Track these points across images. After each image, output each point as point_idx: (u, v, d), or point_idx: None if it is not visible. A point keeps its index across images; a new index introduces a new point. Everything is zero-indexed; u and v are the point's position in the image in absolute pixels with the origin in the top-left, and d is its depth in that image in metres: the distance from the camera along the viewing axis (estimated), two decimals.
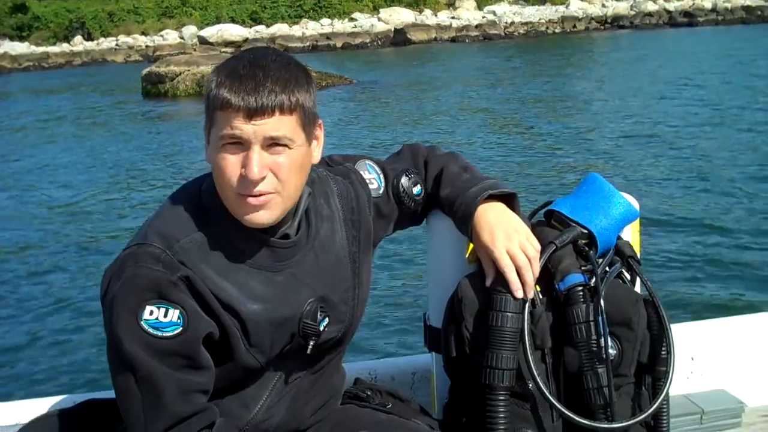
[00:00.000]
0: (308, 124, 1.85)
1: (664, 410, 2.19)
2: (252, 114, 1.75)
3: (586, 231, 2.16)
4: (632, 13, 53.36)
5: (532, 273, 2.08)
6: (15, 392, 5.60)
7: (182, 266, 1.78)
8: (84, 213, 11.99)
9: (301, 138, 1.83)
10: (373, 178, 2.21)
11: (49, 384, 5.85)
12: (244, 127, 1.75)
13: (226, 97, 1.74)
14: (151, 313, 1.75)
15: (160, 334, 1.76)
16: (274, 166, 1.79)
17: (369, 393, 2.24)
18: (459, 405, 2.25)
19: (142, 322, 1.75)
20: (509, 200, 2.20)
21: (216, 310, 1.82)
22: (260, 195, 1.79)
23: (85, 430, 2.04)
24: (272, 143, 1.78)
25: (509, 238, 2.10)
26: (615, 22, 52.70)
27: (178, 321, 1.77)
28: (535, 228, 2.20)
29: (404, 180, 2.22)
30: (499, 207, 2.16)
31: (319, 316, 1.95)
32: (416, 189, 2.24)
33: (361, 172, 2.20)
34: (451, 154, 2.34)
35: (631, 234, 2.30)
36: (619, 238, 2.23)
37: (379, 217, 2.20)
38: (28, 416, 2.07)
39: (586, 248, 2.16)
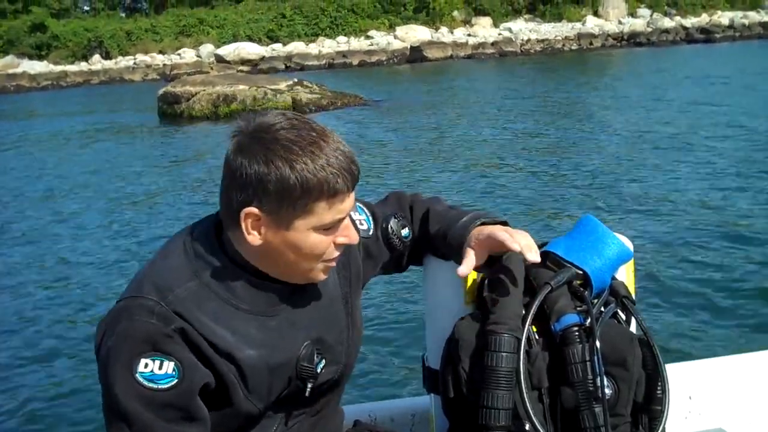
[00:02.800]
0: None
1: None
2: (353, 187, 1.83)
3: (581, 272, 2.19)
4: (649, 29, 53.30)
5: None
6: None
7: (177, 317, 1.79)
8: (90, 237, 12.01)
9: None
10: (362, 219, 2.24)
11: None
12: (348, 208, 1.84)
13: (338, 187, 1.78)
14: (146, 365, 1.76)
15: (155, 386, 1.76)
16: None
17: None
18: None
19: (137, 375, 1.75)
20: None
21: (212, 359, 1.82)
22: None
23: None
24: None
25: (509, 232, 2.14)
26: (632, 39, 52.62)
27: (173, 373, 1.77)
28: (530, 269, 2.23)
29: (393, 222, 2.26)
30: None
31: (315, 358, 1.96)
32: (405, 231, 2.28)
33: (351, 213, 2.22)
34: (434, 198, 2.38)
35: (626, 274, 2.33)
36: (613, 278, 2.26)
37: (368, 258, 2.23)
38: None
39: (581, 289, 2.18)
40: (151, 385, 1.76)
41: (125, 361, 1.76)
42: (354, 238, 1.87)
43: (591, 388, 2.08)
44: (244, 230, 1.81)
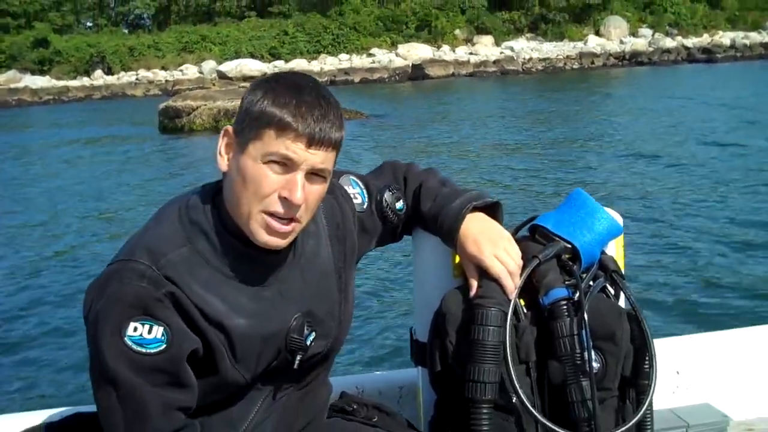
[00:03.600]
0: (336, 158, 1.90)
1: (648, 423, 2.19)
2: (312, 143, 1.78)
3: (569, 246, 2.18)
4: (650, 49, 53.54)
5: (518, 277, 2.12)
6: (2, 406, 5.58)
7: (168, 282, 1.78)
8: (83, 240, 12.14)
9: (332, 172, 1.89)
10: (356, 192, 2.23)
11: (36, 398, 5.84)
12: (300, 153, 1.77)
13: (288, 120, 1.76)
14: (135, 329, 1.74)
15: (143, 350, 1.75)
16: (308, 194, 1.82)
17: (355, 407, 2.24)
18: (444, 419, 2.25)
19: (125, 339, 1.74)
20: (492, 209, 2.23)
21: (201, 326, 1.81)
22: (288, 222, 1.82)
23: None
24: (314, 173, 1.82)
25: (495, 245, 2.12)
26: (633, 59, 52.84)
27: (162, 338, 1.76)
28: (519, 243, 2.22)
29: (387, 195, 2.24)
30: (481, 217, 2.19)
31: (305, 331, 1.95)
32: (399, 204, 2.26)
33: (345, 187, 2.21)
34: (428, 170, 2.36)
35: (615, 249, 2.32)
36: (603, 252, 2.25)
37: (362, 232, 2.21)
38: (15, 429, 2.08)
39: (570, 263, 2.17)
40: (139, 348, 1.75)
41: (114, 324, 1.75)
42: (296, 198, 1.78)
43: (579, 362, 2.07)
44: (218, 149, 1.86)
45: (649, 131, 19.39)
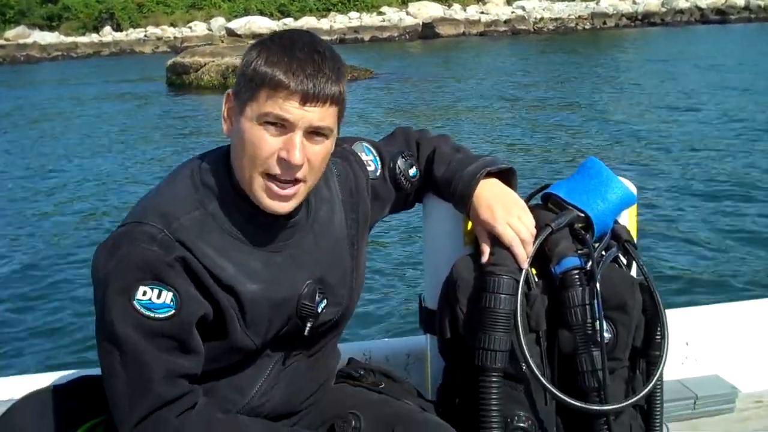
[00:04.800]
0: (342, 115, 1.87)
1: (658, 394, 2.19)
2: (306, 100, 1.75)
3: (582, 215, 2.16)
4: (663, 10, 52.91)
5: (531, 246, 2.11)
6: (8, 368, 5.61)
7: (179, 246, 1.77)
8: (93, 195, 12.21)
9: (336, 129, 1.85)
10: (370, 159, 2.21)
11: (42, 360, 5.87)
12: (294, 111, 1.75)
13: (280, 78, 1.74)
14: (144, 293, 1.74)
15: (152, 315, 1.74)
16: (311, 154, 1.79)
17: (362, 372, 2.25)
18: (453, 387, 2.25)
19: (134, 302, 1.73)
20: (506, 176, 2.21)
21: (212, 290, 1.80)
22: (290, 185, 1.80)
23: (78, 406, 2.03)
24: (314, 131, 1.79)
25: (509, 212, 2.11)
26: (646, 19, 52.26)
27: (171, 303, 1.75)
28: (531, 211, 2.20)
29: (401, 162, 2.22)
30: (496, 183, 2.18)
31: (317, 297, 1.94)
32: (412, 171, 2.24)
33: (359, 154, 2.19)
34: (442, 136, 2.34)
35: (628, 219, 2.31)
36: (615, 222, 2.23)
37: (375, 200, 2.19)
38: (22, 392, 2.07)
39: (583, 232, 2.15)
40: (147, 313, 1.74)
41: (124, 286, 1.74)
42: (294, 158, 1.75)
43: (590, 332, 2.06)
44: (223, 114, 1.86)
45: (661, 95, 19.23)
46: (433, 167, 2.24)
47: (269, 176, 1.78)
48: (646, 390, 2.11)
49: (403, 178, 2.22)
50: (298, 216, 1.94)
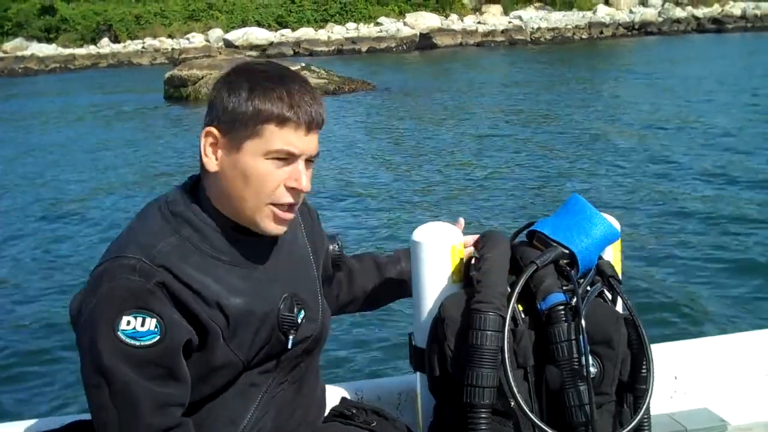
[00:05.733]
0: None
1: (646, 427, 2.21)
2: (310, 129, 1.84)
3: (567, 251, 2.19)
4: (660, 19, 53.04)
5: None
6: (2, 414, 5.58)
7: (160, 270, 1.80)
8: (88, 209, 12.23)
9: None
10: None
11: (35, 406, 5.83)
12: (300, 145, 1.84)
13: (287, 114, 1.81)
14: (128, 323, 1.76)
15: (137, 343, 1.76)
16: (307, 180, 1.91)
17: (354, 411, 2.27)
18: (443, 424, 2.27)
19: (119, 333, 1.75)
20: None
21: (196, 310, 1.83)
22: (293, 209, 1.89)
23: None
24: (310, 159, 1.89)
25: None
26: (642, 29, 52.38)
27: (156, 330, 1.77)
28: (517, 248, 2.23)
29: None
30: None
31: (295, 309, 2.00)
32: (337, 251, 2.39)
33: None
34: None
35: (613, 254, 2.33)
36: (600, 258, 2.26)
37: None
38: None
39: (568, 268, 2.18)
40: (132, 342, 1.76)
41: (107, 319, 1.76)
42: (303, 185, 1.85)
43: (576, 367, 2.08)
44: (202, 151, 1.88)
45: (657, 110, 19.11)
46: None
47: (276, 205, 1.87)
48: (634, 423, 2.13)
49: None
50: (270, 236, 2.00)
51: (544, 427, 2.06)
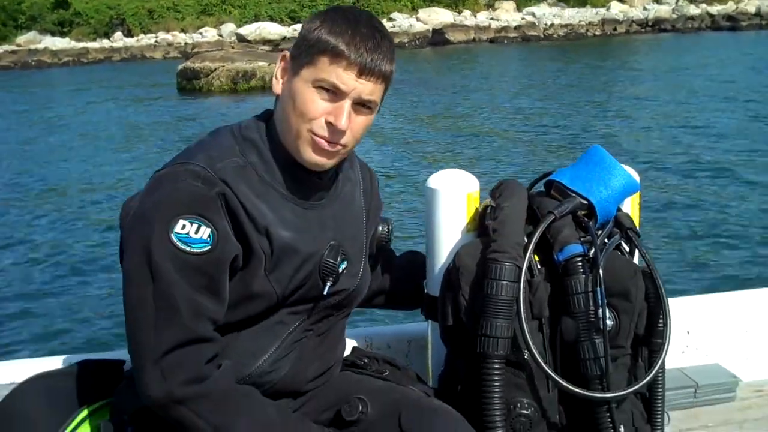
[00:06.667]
0: (385, 93, 1.97)
1: (660, 382, 2.19)
2: (362, 73, 1.85)
3: (585, 202, 2.17)
4: (674, 16, 52.78)
5: None
6: (10, 352, 5.60)
7: (222, 183, 1.83)
8: (103, 196, 12.23)
9: (379, 105, 1.95)
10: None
11: (44, 344, 5.85)
12: (349, 82, 1.85)
13: (342, 48, 1.84)
14: (183, 227, 1.78)
15: (188, 249, 1.77)
16: (354, 123, 1.90)
17: (366, 360, 2.27)
18: (455, 374, 2.26)
19: (172, 235, 1.77)
20: None
21: (247, 231, 1.86)
22: (334, 144, 1.89)
23: (81, 389, 2.05)
24: (361, 103, 1.89)
25: None
26: (656, 26, 52.15)
27: (208, 239, 1.79)
28: (534, 198, 2.21)
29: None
30: None
31: (339, 257, 2.01)
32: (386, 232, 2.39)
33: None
34: None
35: (631, 206, 2.31)
36: (618, 209, 2.23)
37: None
38: (24, 375, 2.08)
39: (586, 219, 2.16)
40: (183, 246, 1.77)
41: (164, 218, 1.78)
42: (341, 124, 1.86)
43: (592, 319, 2.06)
44: (275, 73, 1.96)
45: (671, 106, 18.99)
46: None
47: (315, 134, 1.88)
48: (649, 378, 2.11)
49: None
50: (329, 181, 2.05)
51: (557, 379, 2.05)
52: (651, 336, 2.15)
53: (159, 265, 1.76)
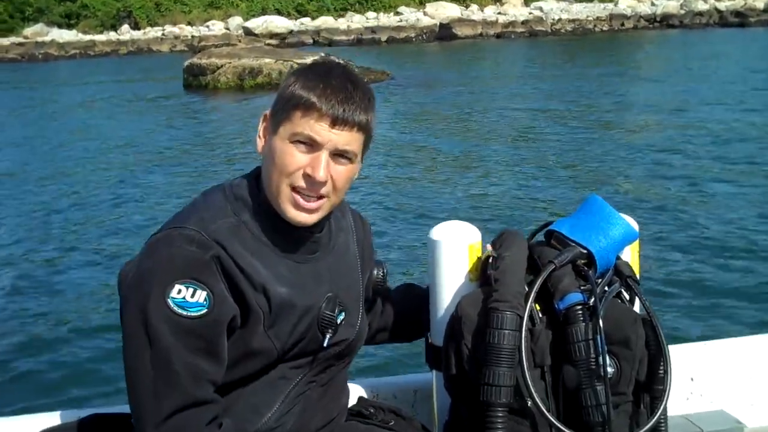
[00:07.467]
0: (368, 143, 2.00)
1: (662, 429, 2.21)
2: (335, 123, 1.88)
3: (585, 251, 2.18)
4: (682, 12, 52.61)
5: None
6: (20, 407, 5.57)
7: (216, 245, 1.85)
8: (111, 201, 12.20)
9: (360, 155, 1.98)
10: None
11: (54, 399, 5.82)
12: (323, 133, 1.89)
13: (313, 101, 1.88)
14: (179, 291, 1.80)
15: (184, 313, 1.80)
16: (334, 174, 1.93)
17: (372, 410, 2.29)
18: (459, 423, 2.28)
19: (168, 300, 1.80)
20: None
21: (244, 290, 1.88)
22: (314, 199, 1.92)
23: None
24: (339, 154, 1.91)
25: None
26: (664, 21, 52.01)
27: (205, 302, 1.82)
28: (535, 248, 2.23)
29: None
30: None
31: (336, 309, 2.04)
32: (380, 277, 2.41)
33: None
34: None
35: (631, 255, 2.33)
36: (618, 258, 2.25)
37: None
38: (32, 430, 2.11)
39: (586, 268, 2.18)
40: (180, 311, 1.80)
41: (160, 284, 1.81)
42: (318, 175, 1.89)
43: (593, 367, 2.08)
44: (258, 134, 2.00)
45: (677, 108, 18.75)
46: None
47: (295, 189, 1.91)
48: (650, 423, 2.13)
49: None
50: (321, 234, 2.06)
51: (560, 426, 2.07)
52: (652, 383, 2.16)
53: (156, 329, 1.79)
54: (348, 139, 1.91)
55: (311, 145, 1.89)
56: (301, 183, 1.90)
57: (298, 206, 1.92)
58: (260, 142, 1.99)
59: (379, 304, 2.49)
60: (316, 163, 1.89)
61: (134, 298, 1.84)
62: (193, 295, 1.81)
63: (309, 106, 1.87)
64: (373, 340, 2.52)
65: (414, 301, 2.52)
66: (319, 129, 1.87)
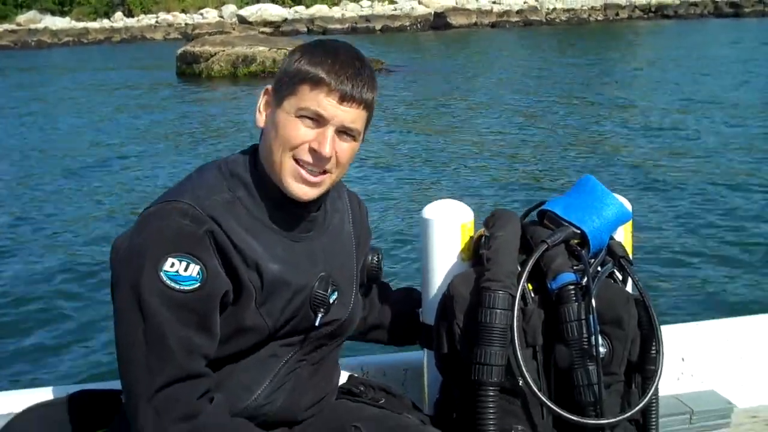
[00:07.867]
0: (369, 122, 1.99)
1: (653, 409, 2.21)
2: (344, 100, 1.87)
3: (578, 231, 2.18)
4: (677, 2, 52.72)
5: None
6: (7, 382, 5.58)
7: (210, 220, 1.84)
8: (103, 190, 12.07)
9: (363, 133, 1.97)
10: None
11: (41, 375, 5.81)
12: (330, 108, 1.88)
13: (322, 76, 1.86)
14: (172, 265, 1.79)
15: (177, 287, 1.78)
16: (339, 150, 1.92)
17: (362, 388, 2.28)
18: (450, 401, 2.28)
19: (161, 273, 1.78)
20: None
21: (237, 265, 1.86)
22: (319, 174, 1.91)
23: (79, 419, 2.07)
24: (344, 131, 1.91)
25: None
26: (659, 11, 52.14)
27: (197, 276, 1.80)
28: (528, 227, 2.23)
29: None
30: None
31: (329, 289, 2.02)
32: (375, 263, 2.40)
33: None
34: None
35: (624, 235, 2.32)
36: (611, 238, 2.25)
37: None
38: (21, 406, 2.10)
39: (579, 248, 2.18)
40: (173, 284, 1.78)
41: (153, 257, 1.79)
42: (325, 151, 1.88)
43: (585, 347, 2.08)
44: (257, 107, 1.98)
45: (671, 98, 18.76)
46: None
47: (299, 162, 1.90)
48: (642, 404, 2.13)
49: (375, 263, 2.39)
50: (317, 213, 2.05)
51: (552, 405, 2.07)
52: (644, 363, 2.17)
53: (149, 303, 1.77)
54: (354, 116, 1.90)
55: (317, 120, 1.88)
56: (306, 157, 1.89)
57: (300, 179, 1.91)
58: (260, 116, 1.97)
59: (375, 296, 2.48)
60: (323, 138, 1.88)
61: (126, 272, 1.82)
62: (186, 269, 1.79)
63: (318, 81, 1.86)
64: (366, 336, 2.51)
65: (413, 305, 2.51)
66: (327, 104, 1.86)
